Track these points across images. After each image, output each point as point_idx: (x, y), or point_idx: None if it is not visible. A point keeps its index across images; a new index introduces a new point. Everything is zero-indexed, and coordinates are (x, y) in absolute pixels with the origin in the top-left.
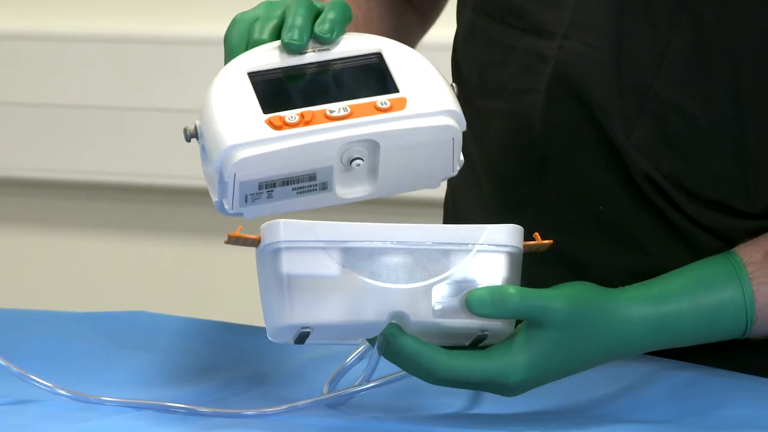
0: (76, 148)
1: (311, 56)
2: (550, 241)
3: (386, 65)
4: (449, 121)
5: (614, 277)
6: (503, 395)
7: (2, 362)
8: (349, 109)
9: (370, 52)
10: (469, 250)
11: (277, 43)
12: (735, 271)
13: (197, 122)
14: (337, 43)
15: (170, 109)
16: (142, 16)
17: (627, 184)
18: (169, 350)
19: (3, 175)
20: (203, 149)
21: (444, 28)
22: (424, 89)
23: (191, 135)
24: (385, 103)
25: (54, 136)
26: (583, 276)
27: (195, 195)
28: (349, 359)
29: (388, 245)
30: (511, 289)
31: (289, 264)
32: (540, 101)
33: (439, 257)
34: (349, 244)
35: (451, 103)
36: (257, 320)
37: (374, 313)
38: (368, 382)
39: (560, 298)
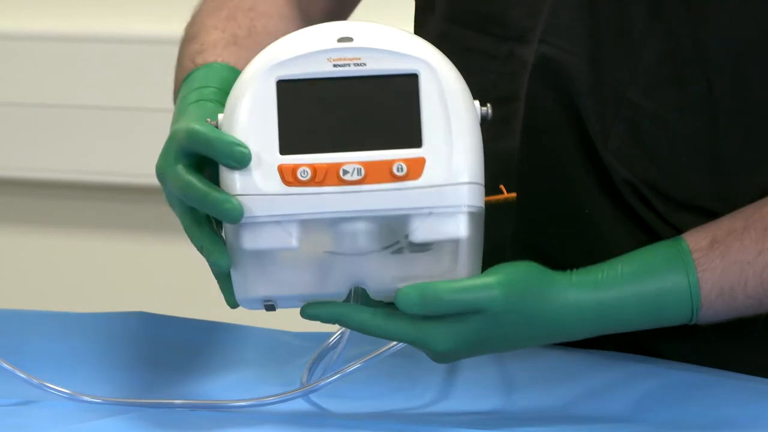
0: (76, 148)
1: (346, 70)
2: (514, 195)
3: (418, 97)
4: (462, 200)
5: None
6: (431, 358)
7: (9, 367)
8: (363, 172)
9: (406, 73)
10: (427, 214)
11: (308, 36)
12: (681, 258)
13: (220, 116)
14: (375, 56)
15: (170, 109)
16: (141, 16)
17: (607, 188)
18: (169, 350)
19: (3, 175)
20: None
21: None
22: (447, 143)
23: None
24: (402, 169)
25: (54, 136)
26: None
27: None
28: (331, 340)
29: (345, 215)
30: (441, 286)
31: (248, 239)
32: (521, 106)
33: (397, 223)
34: (306, 217)
35: (469, 168)
36: (258, 321)
37: (336, 282)
38: (342, 366)
39: (496, 287)
